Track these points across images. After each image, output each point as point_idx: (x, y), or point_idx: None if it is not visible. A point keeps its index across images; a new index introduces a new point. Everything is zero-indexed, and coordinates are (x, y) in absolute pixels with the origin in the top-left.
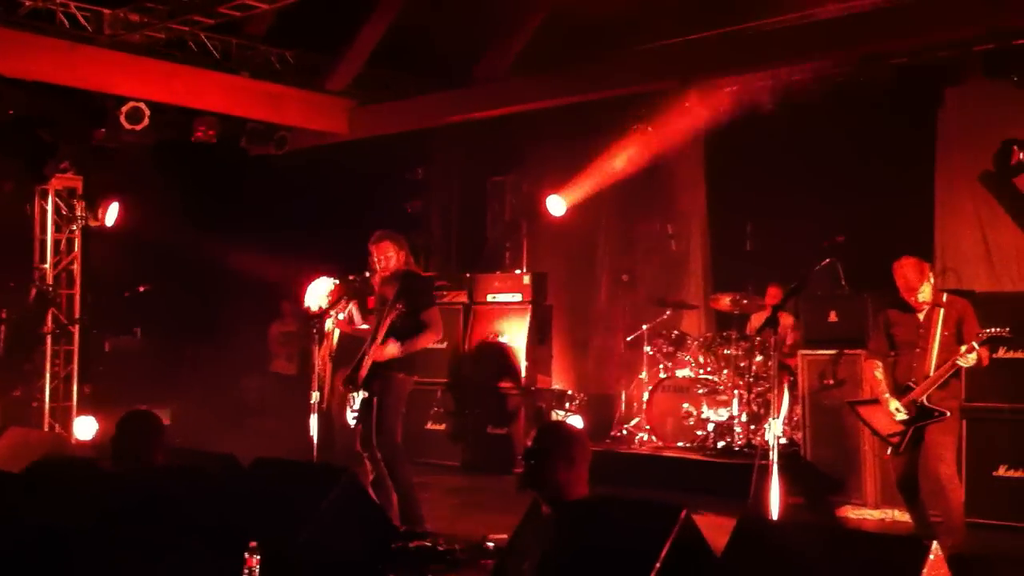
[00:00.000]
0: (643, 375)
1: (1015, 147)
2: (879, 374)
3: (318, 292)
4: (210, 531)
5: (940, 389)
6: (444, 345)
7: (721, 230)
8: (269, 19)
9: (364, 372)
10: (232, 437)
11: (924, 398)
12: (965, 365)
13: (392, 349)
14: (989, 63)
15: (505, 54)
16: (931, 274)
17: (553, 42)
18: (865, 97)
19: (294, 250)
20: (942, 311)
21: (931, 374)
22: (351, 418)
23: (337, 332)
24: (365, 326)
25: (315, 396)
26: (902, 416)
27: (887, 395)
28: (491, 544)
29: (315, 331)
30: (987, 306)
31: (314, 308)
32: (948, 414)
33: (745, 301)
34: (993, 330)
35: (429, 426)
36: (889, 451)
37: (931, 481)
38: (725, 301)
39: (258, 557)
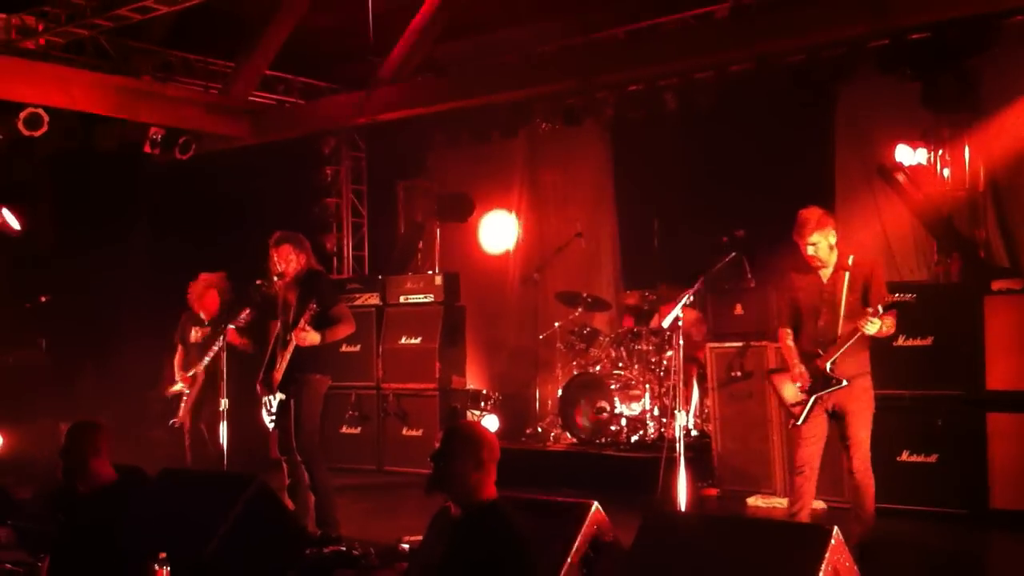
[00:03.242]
0: (557, 372)
1: (899, 143)
2: (791, 342)
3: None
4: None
5: (846, 357)
6: (357, 348)
7: (629, 228)
8: (171, 23)
9: (279, 375)
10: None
11: (827, 365)
12: (869, 332)
13: (313, 336)
14: (882, 59)
15: (410, 57)
16: (832, 232)
17: (457, 45)
18: (765, 94)
19: (204, 257)
20: (847, 274)
21: (836, 340)
22: (268, 422)
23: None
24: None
25: (224, 403)
26: (797, 391)
27: (783, 371)
28: (406, 547)
29: (221, 337)
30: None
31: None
32: (845, 383)
33: (653, 297)
34: (898, 296)
35: (344, 430)
36: (791, 423)
37: (845, 471)
38: (635, 298)
39: (167, 569)
